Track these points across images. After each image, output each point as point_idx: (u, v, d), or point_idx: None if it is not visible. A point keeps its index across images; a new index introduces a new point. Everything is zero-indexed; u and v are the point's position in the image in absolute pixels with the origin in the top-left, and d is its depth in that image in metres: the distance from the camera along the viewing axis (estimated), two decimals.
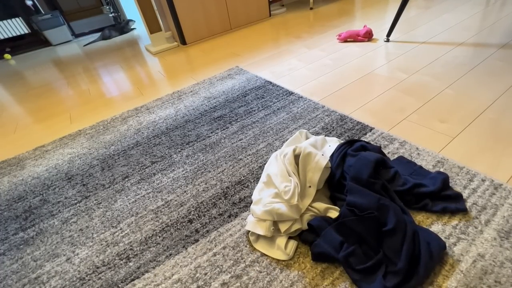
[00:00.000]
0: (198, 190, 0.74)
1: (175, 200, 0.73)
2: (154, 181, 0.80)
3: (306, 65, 1.34)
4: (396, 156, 0.72)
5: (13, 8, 2.92)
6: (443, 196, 0.57)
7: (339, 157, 0.64)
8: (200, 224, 0.65)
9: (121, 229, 0.68)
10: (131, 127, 1.10)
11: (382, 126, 0.85)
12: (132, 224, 0.69)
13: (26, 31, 3.08)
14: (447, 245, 0.51)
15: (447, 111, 0.85)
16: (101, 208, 0.75)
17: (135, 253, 0.61)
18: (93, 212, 0.75)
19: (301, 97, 1.06)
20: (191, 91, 1.29)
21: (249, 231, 0.60)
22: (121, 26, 2.96)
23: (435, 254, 0.47)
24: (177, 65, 1.68)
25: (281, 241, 0.55)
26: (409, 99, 0.94)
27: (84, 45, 2.81)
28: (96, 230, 0.69)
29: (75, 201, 0.80)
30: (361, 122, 0.87)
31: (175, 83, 1.44)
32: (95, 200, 0.78)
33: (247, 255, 0.56)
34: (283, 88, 1.16)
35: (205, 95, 1.23)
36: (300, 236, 0.57)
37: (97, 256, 0.63)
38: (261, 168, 0.77)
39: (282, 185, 0.58)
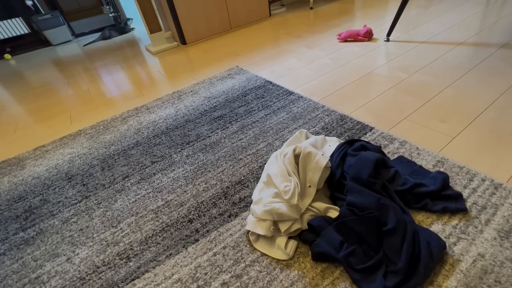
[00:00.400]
0: (198, 190, 0.74)
1: (175, 200, 0.73)
2: (154, 181, 0.80)
3: (306, 64, 1.34)
4: (396, 155, 0.72)
5: (13, 8, 2.92)
6: (443, 195, 0.57)
7: (339, 156, 0.64)
8: (200, 224, 0.65)
9: (121, 229, 0.68)
10: (131, 127, 1.10)
11: (382, 125, 0.85)
12: (132, 224, 0.69)
13: (26, 31, 3.08)
14: (447, 244, 0.51)
15: (447, 111, 0.85)
16: (101, 208, 0.75)
17: (135, 253, 0.61)
18: (93, 212, 0.75)
19: (301, 96, 1.06)
20: (191, 91, 1.29)
21: (249, 231, 0.60)
22: (121, 26, 2.96)
23: (435, 254, 0.47)
24: (177, 65, 1.68)
25: (281, 241, 0.55)
26: (409, 98, 0.94)
27: (84, 45, 2.81)
28: (96, 230, 0.69)
29: (75, 201, 0.80)
30: (361, 122, 0.87)
31: (175, 83, 1.44)
32: (95, 200, 0.79)
33: (247, 255, 0.56)
34: (283, 88, 1.16)
35: (205, 95, 1.23)
36: (300, 236, 0.57)
37: (97, 256, 0.63)
38: (261, 168, 0.77)
39: (282, 185, 0.58)
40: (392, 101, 0.95)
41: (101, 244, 0.65)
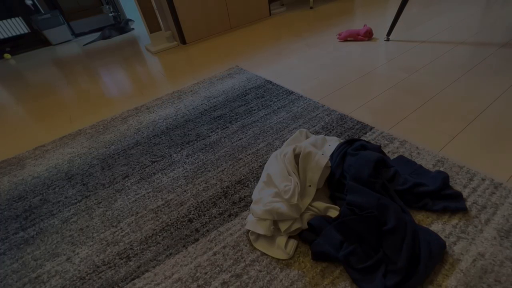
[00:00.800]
0: (198, 190, 0.74)
1: (175, 200, 0.73)
2: (154, 181, 0.80)
3: (306, 64, 1.34)
4: (396, 155, 0.72)
5: (13, 7, 2.92)
6: (443, 195, 0.57)
7: (339, 156, 0.64)
8: (200, 223, 0.65)
9: (121, 228, 0.68)
10: (131, 126, 1.10)
11: (382, 125, 0.85)
12: (132, 223, 0.69)
13: (26, 31, 3.07)
14: (447, 244, 0.51)
15: (447, 111, 0.85)
16: (101, 207, 0.75)
17: (135, 253, 0.61)
18: (93, 212, 0.75)
19: (301, 96, 1.06)
20: (191, 91, 1.29)
21: (249, 230, 0.60)
22: (121, 25, 2.95)
23: (435, 253, 0.47)
24: (177, 65, 1.68)
25: (281, 240, 0.55)
26: (409, 98, 0.94)
27: (84, 45, 2.81)
28: (96, 230, 0.69)
29: (75, 201, 0.80)
30: (361, 122, 0.87)
31: (175, 83, 1.44)
32: (95, 199, 0.79)
33: (247, 254, 0.56)
34: (283, 87, 1.16)
35: (205, 95, 1.23)
36: (300, 236, 0.57)
37: (97, 256, 0.63)
38: (261, 167, 0.77)
39: (282, 184, 0.58)
40: (392, 101, 0.95)
41: (101, 244, 0.65)
